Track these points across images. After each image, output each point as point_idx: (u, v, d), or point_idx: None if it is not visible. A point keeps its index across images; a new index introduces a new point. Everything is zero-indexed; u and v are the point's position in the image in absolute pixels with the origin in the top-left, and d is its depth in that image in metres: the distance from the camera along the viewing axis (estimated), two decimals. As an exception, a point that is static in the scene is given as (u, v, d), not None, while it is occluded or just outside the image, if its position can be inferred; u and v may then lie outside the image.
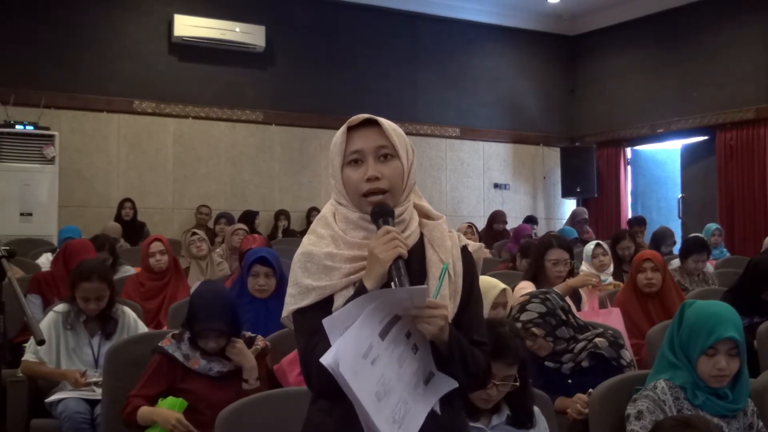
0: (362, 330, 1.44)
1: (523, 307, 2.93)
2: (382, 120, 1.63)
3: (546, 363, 2.91)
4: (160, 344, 2.84)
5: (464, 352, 1.56)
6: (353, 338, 1.43)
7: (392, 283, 1.47)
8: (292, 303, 1.58)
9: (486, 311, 2.98)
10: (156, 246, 4.73)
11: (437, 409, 1.54)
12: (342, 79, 9.92)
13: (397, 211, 1.60)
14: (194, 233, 5.65)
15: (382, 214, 1.56)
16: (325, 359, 1.39)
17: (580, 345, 2.88)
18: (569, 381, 2.87)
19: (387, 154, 1.61)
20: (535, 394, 2.46)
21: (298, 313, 1.58)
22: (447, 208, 10.67)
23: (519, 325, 2.81)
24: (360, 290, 1.50)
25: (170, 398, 2.74)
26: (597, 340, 2.88)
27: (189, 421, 2.70)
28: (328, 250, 1.58)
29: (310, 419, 1.64)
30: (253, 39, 9.26)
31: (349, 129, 1.63)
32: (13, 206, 7.69)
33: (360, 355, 1.42)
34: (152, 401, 2.77)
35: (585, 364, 2.86)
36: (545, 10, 11.03)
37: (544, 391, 2.61)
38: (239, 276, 3.84)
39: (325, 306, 1.55)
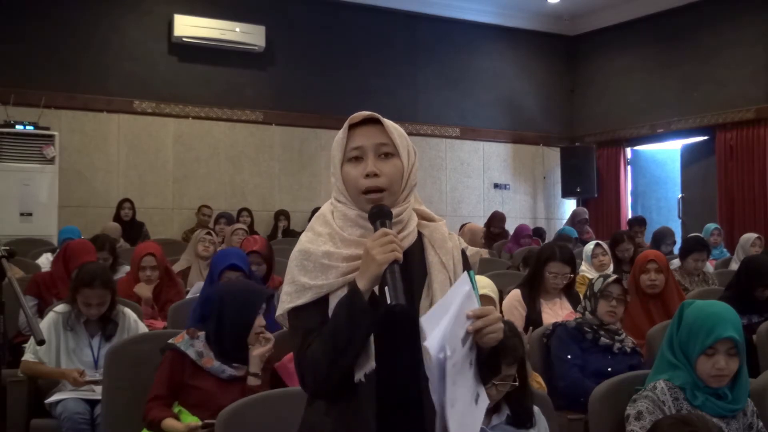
0: (453, 329, 1.38)
1: None
2: (384, 119, 1.63)
3: (602, 340, 3.32)
4: (171, 341, 2.83)
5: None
6: (450, 334, 1.35)
7: (385, 288, 1.44)
8: (287, 301, 1.56)
9: None
10: (148, 261, 4.47)
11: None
12: (342, 79, 9.90)
13: (395, 211, 1.59)
14: (208, 233, 5.58)
15: (380, 216, 1.54)
16: (432, 347, 1.32)
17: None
18: (609, 357, 3.32)
19: (388, 152, 1.61)
20: (535, 394, 2.46)
21: (294, 312, 1.56)
22: (447, 208, 10.67)
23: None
24: (353, 289, 1.47)
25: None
26: None
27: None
28: (325, 248, 1.56)
29: (306, 420, 1.63)
30: (253, 39, 9.26)
31: (351, 126, 1.63)
32: (13, 206, 7.67)
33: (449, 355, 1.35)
34: (170, 402, 2.76)
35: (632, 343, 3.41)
36: (545, 10, 11.02)
37: (584, 364, 3.23)
38: (207, 280, 3.82)
39: (320, 305, 1.54)
